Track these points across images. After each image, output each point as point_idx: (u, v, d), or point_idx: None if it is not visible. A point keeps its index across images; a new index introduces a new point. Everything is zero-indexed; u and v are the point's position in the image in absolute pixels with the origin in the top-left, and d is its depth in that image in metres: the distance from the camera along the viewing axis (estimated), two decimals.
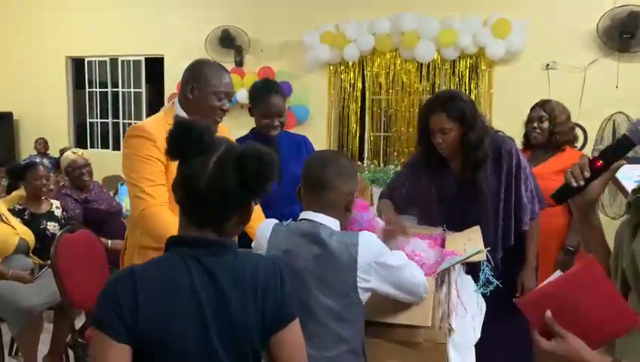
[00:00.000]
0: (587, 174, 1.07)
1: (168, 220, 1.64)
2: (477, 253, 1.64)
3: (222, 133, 1.92)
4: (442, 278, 1.70)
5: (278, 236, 1.44)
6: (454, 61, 5.30)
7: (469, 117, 2.08)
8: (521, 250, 2.29)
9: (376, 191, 4.20)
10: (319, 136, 5.60)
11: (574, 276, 0.96)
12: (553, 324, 0.96)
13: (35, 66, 6.78)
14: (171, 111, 1.90)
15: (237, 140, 2.53)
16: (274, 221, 1.50)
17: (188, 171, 1.05)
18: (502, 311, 2.04)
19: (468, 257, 1.65)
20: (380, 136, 5.75)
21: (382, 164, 5.26)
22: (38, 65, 6.78)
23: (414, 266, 1.50)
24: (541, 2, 5.00)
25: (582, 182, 1.08)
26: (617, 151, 1.07)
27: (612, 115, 4.60)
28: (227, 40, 5.84)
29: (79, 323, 2.96)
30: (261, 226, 1.49)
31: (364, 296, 1.41)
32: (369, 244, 1.39)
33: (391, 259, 1.42)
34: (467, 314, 1.71)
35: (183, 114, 1.87)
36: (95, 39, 6.42)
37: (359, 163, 4.87)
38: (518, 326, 2.21)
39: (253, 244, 1.51)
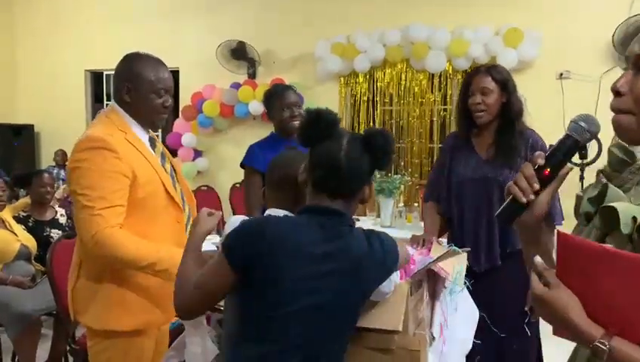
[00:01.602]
0: (537, 186, 0.92)
1: (123, 241, 1.57)
2: (447, 252, 1.59)
3: (173, 162, 1.88)
4: (420, 284, 1.65)
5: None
6: (466, 71, 5.25)
7: (510, 86, 2.12)
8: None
9: (382, 201, 4.15)
10: None
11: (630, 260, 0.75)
12: (543, 270, 0.83)
13: (55, 80, 6.97)
14: (115, 115, 1.74)
15: (256, 144, 2.55)
16: (242, 216, 1.48)
17: (324, 151, 1.22)
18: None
19: (440, 257, 1.60)
20: None
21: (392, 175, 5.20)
22: (58, 79, 6.96)
23: None
24: (554, 12, 4.92)
25: (532, 197, 0.92)
26: (564, 154, 0.93)
27: None
28: (239, 52, 5.90)
29: (82, 330, 2.97)
30: (231, 219, 1.47)
31: None
32: None
33: None
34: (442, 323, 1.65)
35: (126, 117, 1.74)
36: (113, 53, 6.50)
37: None
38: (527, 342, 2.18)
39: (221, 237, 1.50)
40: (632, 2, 4.54)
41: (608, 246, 0.78)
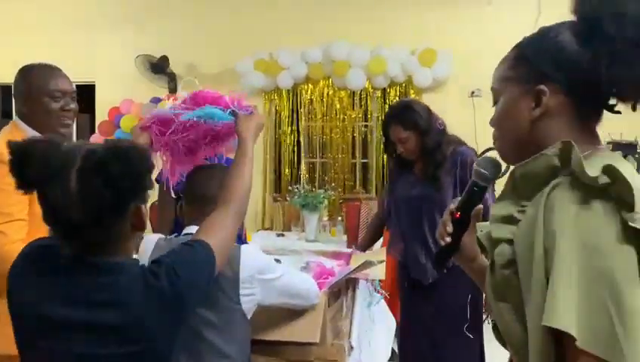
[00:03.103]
0: (450, 229, 1.02)
1: None
2: (363, 264, 1.65)
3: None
4: (338, 294, 1.70)
5: (162, 250, 1.40)
6: (385, 89, 5.45)
7: (422, 124, 2.27)
8: None
9: (307, 216, 4.19)
10: (255, 162, 5.53)
11: None
12: None
13: None
14: (16, 128, 1.71)
15: None
16: (158, 236, 1.46)
17: (50, 202, 0.95)
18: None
19: (356, 268, 1.66)
20: (316, 161, 5.79)
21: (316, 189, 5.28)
22: None
23: (298, 272, 1.50)
24: (465, 32, 5.23)
25: (448, 239, 1.02)
26: (472, 197, 1.02)
27: None
28: (159, 66, 5.78)
29: None
30: (145, 240, 1.45)
31: (248, 307, 1.38)
32: (251, 258, 1.37)
33: (274, 271, 1.41)
34: (363, 330, 1.70)
35: (28, 130, 1.69)
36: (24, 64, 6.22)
37: (290, 188, 4.87)
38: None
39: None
40: (538, 18, 4.89)
41: None
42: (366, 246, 2.51)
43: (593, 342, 0.73)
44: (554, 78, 0.87)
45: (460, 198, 1.04)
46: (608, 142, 4.34)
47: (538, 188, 0.84)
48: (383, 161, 5.47)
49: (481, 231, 0.96)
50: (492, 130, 1.01)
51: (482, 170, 1.01)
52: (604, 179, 0.76)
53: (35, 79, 1.69)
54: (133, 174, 0.94)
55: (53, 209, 0.95)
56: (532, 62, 0.91)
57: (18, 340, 1.04)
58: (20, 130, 1.69)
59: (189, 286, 1.04)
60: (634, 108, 0.86)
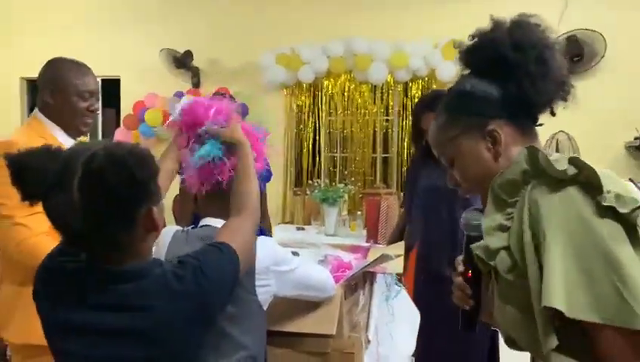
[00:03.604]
0: (469, 291, 1.03)
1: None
2: (379, 257, 1.65)
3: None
4: (355, 288, 1.70)
5: (178, 242, 1.43)
6: (407, 83, 5.41)
7: None
8: None
9: (326, 210, 4.21)
10: (276, 156, 5.60)
11: None
12: None
13: None
14: (37, 121, 1.72)
15: None
16: (176, 227, 1.49)
17: (54, 212, 0.94)
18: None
19: (373, 262, 1.66)
20: (336, 156, 5.79)
21: (336, 184, 5.28)
22: None
23: (314, 264, 1.51)
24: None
25: (471, 301, 1.02)
26: (472, 250, 0.98)
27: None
28: (182, 61, 5.85)
29: None
30: (163, 232, 1.47)
31: (264, 298, 1.40)
32: (266, 249, 1.39)
33: (289, 263, 1.42)
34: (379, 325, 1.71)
35: (48, 123, 1.71)
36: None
37: (310, 182, 4.88)
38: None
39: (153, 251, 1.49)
40: (564, 11, 4.79)
41: None
42: (394, 243, 2.51)
43: (604, 312, 0.78)
44: (494, 114, 0.99)
45: (460, 258, 1.04)
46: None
47: (517, 192, 0.93)
48: (404, 155, 5.44)
49: (477, 247, 0.96)
50: None
51: (472, 221, 1.02)
52: (572, 170, 0.86)
53: (66, 75, 1.69)
54: (132, 182, 0.91)
55: (59, 218, 0.95)
56: (467, 114, 1.01)
57: (46, 338, 1.06)
58: (41, 124, 1.70)
59: (217, 287, 1.04)
60: (553, 114, 1.01)
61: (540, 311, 0.83)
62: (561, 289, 0.80)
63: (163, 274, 0.99)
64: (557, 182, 0.88)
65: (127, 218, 0.95)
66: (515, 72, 0.96)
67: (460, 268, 1.04)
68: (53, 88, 1.69)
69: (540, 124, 1.02)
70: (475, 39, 1.03)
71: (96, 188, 0.90)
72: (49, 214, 0.96)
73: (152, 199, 0.97)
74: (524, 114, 1.00)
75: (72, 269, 1.01)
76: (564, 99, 0.99)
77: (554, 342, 0.82)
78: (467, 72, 1.05)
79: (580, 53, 4.72)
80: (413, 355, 2.07)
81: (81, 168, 0.91)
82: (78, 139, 1.79)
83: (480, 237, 0.99)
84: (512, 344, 0.96)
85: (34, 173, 0.92)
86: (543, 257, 0.84)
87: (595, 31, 4.70)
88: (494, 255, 0.92)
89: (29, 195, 0.95)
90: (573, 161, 0.87)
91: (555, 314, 0.81)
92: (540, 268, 0.84)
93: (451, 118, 1.04)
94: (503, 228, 0.93)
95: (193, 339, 1.02)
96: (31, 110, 6.92)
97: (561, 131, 4.70)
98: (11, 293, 1.63)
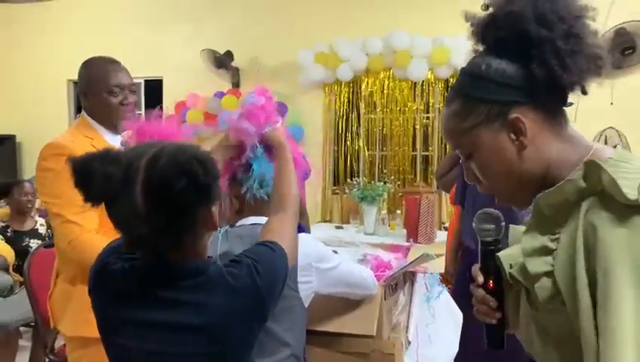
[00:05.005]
0: (494, 303, 0.92)
1: (101, 246, 1.57)
2: (420, 257, 1.61)
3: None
4: (395, 288, 1.67)
5: (215, 239, 1.43)
6: (447, 80, 5.30)
7: None
8: None
9: (365, 208, 4.17)
10: (315, 155, 5.60)
11: None
12: None
13: (37, 90, 6.91)
14: (84, 122, 1.77)
15: None
16: None
17: (118, 215, 0.95)
18: None
19: (414, 262, 1.62)
20: (376, 154, 5.73)
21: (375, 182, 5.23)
22: (40, 89, 6.90)
23: (355, 263, 1.49)
24: None
25: (498, 314, 0.92)
26: (489, 260, 0.92)
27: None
28: (222, 61, 5.91)
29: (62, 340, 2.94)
30: None
31: (306, 294, 1.38)
32: (308, 246, 1.37)
33: (330, 260, 1.41)
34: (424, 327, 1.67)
35: (93, 123, 1.76)
36: None
37: (348, 181, 4.85)
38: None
39: None
40: (612, 2, 4.58)
41: None
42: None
43: None
44: (517, 99, 0.84)
45: (477, 266, 0.94)
46: None
47: (569, 212, 0.80)
48: (444, 153, 5.34)
49: (510, 265, 0.87)
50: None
51: (485, 226, 0.94)
52: None
53: (94, 74, 1.73)
54: (197, 188, 0.92)
55: (122, 222, 0.97)
56: (485, 101, 0.86)
57: (101, 332, 1.09)
58: (87, 124, 1.75)
59: (271, 285, 1.05)
60: (584, 92, 0.85)
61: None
62: (633, 352, 0.68)
63: (219, 271, 1.01)
64: (619, 205, 0.73)
65: (191, 220, 0.97)
66: (540, 50, 0.81)
67: (480, 279, 0.93)
68: (86, 90, 1.75)
69: (570, 104, 0.87)
70: (491, 9, 0.88)
71: (161, 195, 0.92)
72: (112, 218, 0.97)
73: (213, 200, 0.99)
74: (552, 96, 0.85)
75: (129, 266, 1.03)
76: (599, 75, 0.84)
77: None
78: (482, 48, 0.90)
79: (632, 45, 4.52)
80: (455, 359, 2.01)
81: (144, 174, 0.93)
82: (123, 133, 1.82)
83: (495, 242, 0.93)
84: None
85: (98, 178, 0.93)
86: (605, 304, 0.71)
87: None
88: (534, 280, 0.82)
89: (92, 199, 0.96)
90: None
91: None
92: (594, 305, 0.72)
93: (466, 104, 0.88)
94: (546, 251, 0.81)
95: (249, 337, 1.04)
96: (78, 111, 7.15)
97: (610, 127, 4.51)
98: (66, 288, 1.69)
